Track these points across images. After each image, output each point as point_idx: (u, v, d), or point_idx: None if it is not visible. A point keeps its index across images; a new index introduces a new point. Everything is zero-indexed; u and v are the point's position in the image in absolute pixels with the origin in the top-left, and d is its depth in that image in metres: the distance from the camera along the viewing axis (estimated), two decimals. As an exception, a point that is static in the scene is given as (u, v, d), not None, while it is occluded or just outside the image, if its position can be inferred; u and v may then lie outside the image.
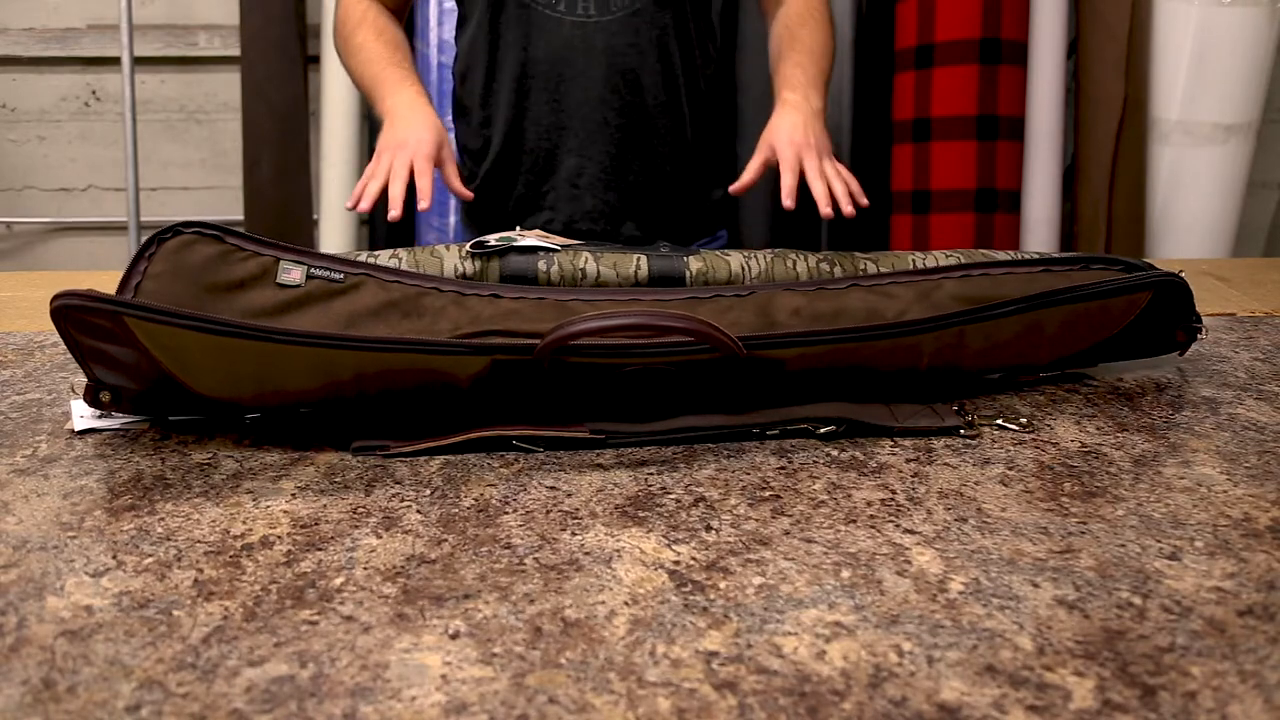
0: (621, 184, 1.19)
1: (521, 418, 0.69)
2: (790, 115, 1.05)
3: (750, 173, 1.08)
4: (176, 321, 0.61)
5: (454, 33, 1.30)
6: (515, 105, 1.19)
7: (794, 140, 1.02)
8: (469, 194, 1.12)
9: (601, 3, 1.10)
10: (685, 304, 0.88)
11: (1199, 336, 0.82)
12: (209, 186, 2.49)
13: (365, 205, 0.97)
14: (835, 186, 0.99)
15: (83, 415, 0.71)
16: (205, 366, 0.65)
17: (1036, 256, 0.89)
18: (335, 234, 2.30)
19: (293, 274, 0.81)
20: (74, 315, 0.62)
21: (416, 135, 1.03)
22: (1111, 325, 0.79)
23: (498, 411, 0.69)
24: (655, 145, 1.20)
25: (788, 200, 0.97)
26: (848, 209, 0.97)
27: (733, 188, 1.09)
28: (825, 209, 0.96)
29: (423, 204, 0.97)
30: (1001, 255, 0.98)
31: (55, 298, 0.61)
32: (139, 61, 2.28)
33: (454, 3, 1.30)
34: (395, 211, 0.96)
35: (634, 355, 0.68)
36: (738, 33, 2.01)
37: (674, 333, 0.66)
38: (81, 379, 0.80)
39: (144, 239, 2.31)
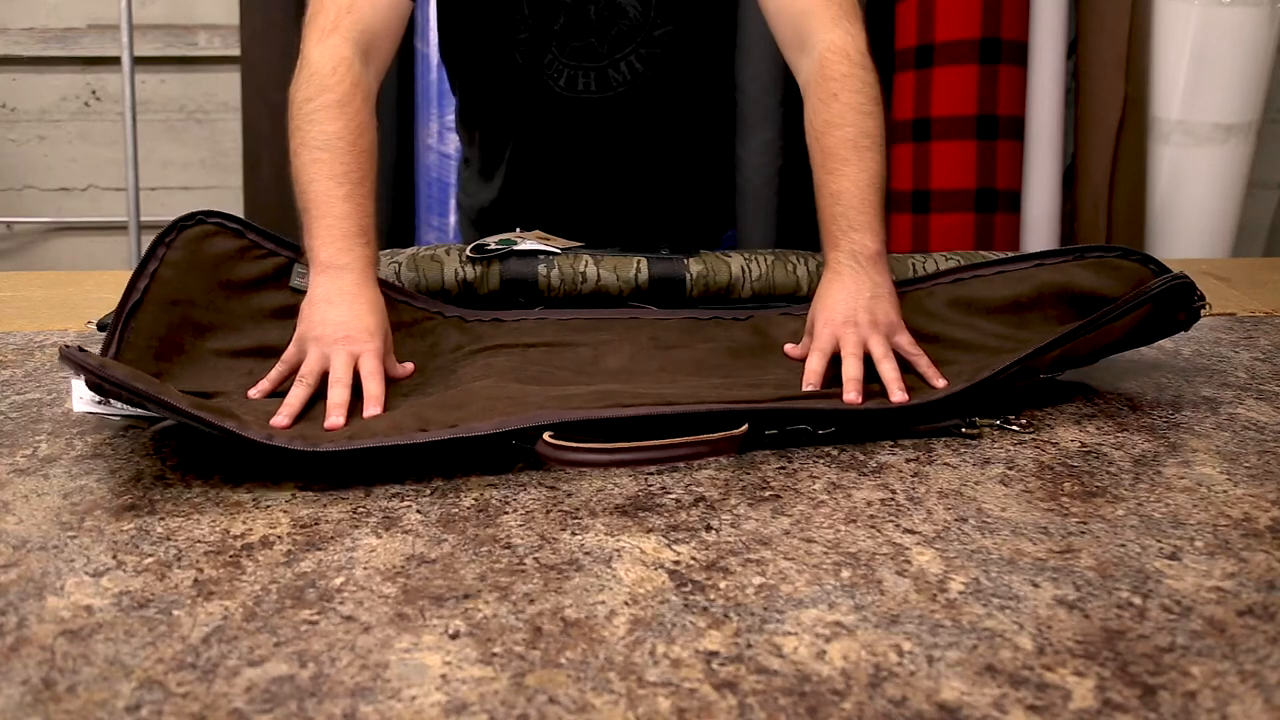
0: (622, 201, 1.18)
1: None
2: (835, 288, 0.81)
3: (791, 352, 0.83)
4: (165, 405, 0.61)
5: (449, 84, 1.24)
6: (519, 169, 1.15)
7: (831, 319, 0.78)
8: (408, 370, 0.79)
9: (602, 80, 1.06)
10: (684, 323, 0.88)
11: (1202, 314, 0.80)
12: (209, 186, 2.48)
13: (283, 420, 0.67)
14: (883, 371, 0.74)
15: (81, 397, 0.71)
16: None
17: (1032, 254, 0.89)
18: (335, 234, 2.29)
19: (306, 279, 0.81)
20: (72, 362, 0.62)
21: (363, 326, 0.74)
22: (1113, 335, 0.79)
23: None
24: (656, 163, 1.19)
25: (808, 384, 0.74)
26: (852, 398, 0.72)
27: (790, 350, 0.83)
28: (848, 395, 0.72)
29: (375, 410, 0.70)
30: (996, 256, 0.98)
31: (61, 353, 0.62)
32: (139, 61, 2.27)
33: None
34: (339, 420, 0.67)
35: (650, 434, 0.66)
36: (738, 32, 2.01)
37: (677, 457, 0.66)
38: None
39: (144, 239, 2.31)
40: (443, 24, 1.10)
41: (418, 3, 0.97)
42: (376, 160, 0.85)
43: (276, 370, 0.74)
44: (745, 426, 0.66)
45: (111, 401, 0.71)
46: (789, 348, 0.83)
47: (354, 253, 0.78)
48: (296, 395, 0.70)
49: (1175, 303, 0.79)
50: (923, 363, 0.77)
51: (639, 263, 0.94)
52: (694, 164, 1.22)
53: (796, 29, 0.92)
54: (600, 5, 1.00)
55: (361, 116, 0.84)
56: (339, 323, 0.74)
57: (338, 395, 0.70)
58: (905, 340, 0.78)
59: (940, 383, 0.74)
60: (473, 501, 0.59)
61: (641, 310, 0.91)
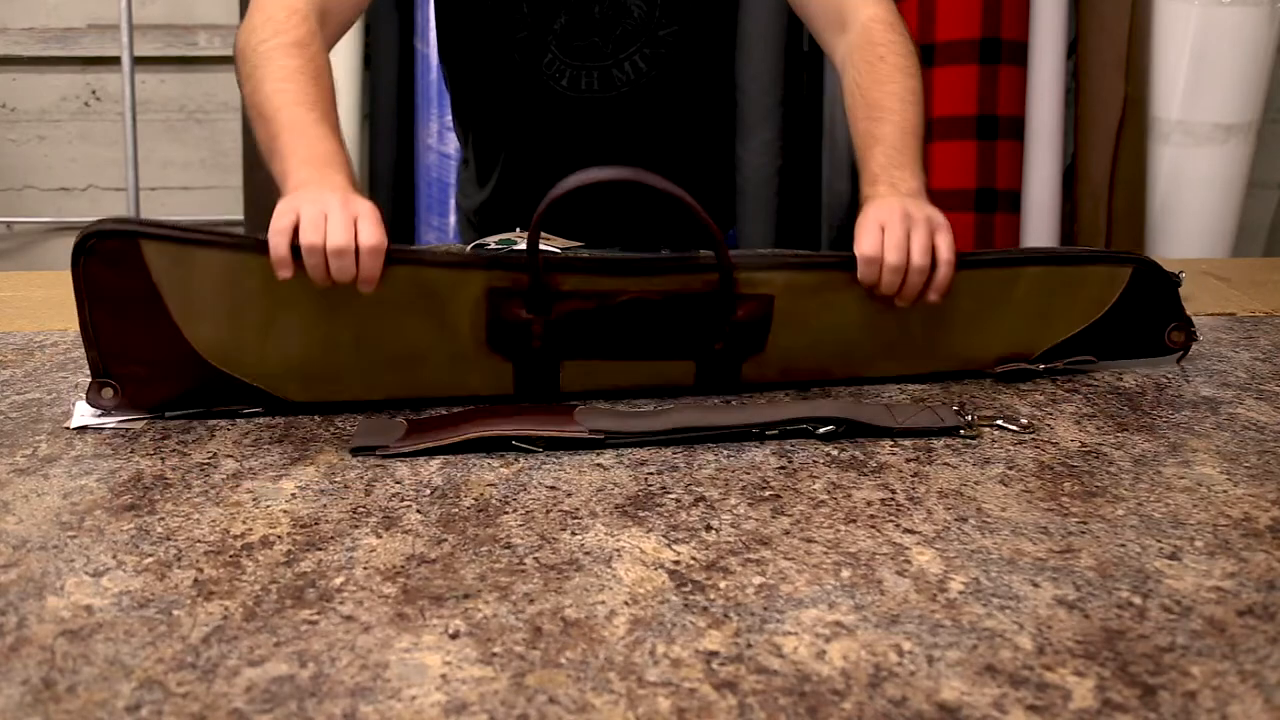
0: (623, 201, 1.18)
1: (520, 413, 0.69)
2: (876, 205, 0.80)
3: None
4: (189, 237, 0.67)
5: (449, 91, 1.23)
6: (517, 170, 1.14)
7: (876, 220, 0.77)
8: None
9: (606, 79, 1.06)
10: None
11: (1195, 338, 0.83)
12: (209, 186, 2.48)
13: (322, 275, 0.67)
14: (910, 273, 0.75)
15: (82, 414, 0.72)
16: (210, 307, 0.69)
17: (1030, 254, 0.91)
18: (335, 234, 2.29)
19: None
20: (97, 250, 0.67)
21: (355, 195, 0.72)
22: (1094, 301, 0.82)
23: (496, 389, 0.74)
24: (657, 163, 1.18)
25: (901, 301, 0.76)
26: (903, 302, 0.76)
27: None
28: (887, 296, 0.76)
29: (373, 265, 0.68)
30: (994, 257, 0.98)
31: (83, 234, 0.66)
32: (139, 61, 2.27)
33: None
34: (346, 269, 0.67)
35: (629, 273, 0.74)
36: (738, 32, 2.01)
37: (659, 189, 0.77)
38: (85, 378, 0.80)
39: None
40: (440, 22, 1.10)
41: (417, 3, 0.98)
42: (336, 103, 0.82)
43: (278, 239, 0.67)
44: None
45: (111, 412, 0.71)
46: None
47: (330, 172, 0.73)
48: (312, 249, 0.66)
49: (1159, 295, 0.82)
50: (943, 273, 0.76)
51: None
52: (694, 164, 1.22)
53: (837, 9, 0.97)
54: (604, 4, 1.00)
55: (320, 60, 0.82)
56: (329, 193, 0.70)
57: (339, 241, 0.66)
58: (944, 243, 0.77)
59: (933, 297, 0.76)
60: (473, 501, 0.59)
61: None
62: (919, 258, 0.75)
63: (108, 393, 0.70)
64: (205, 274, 0.68)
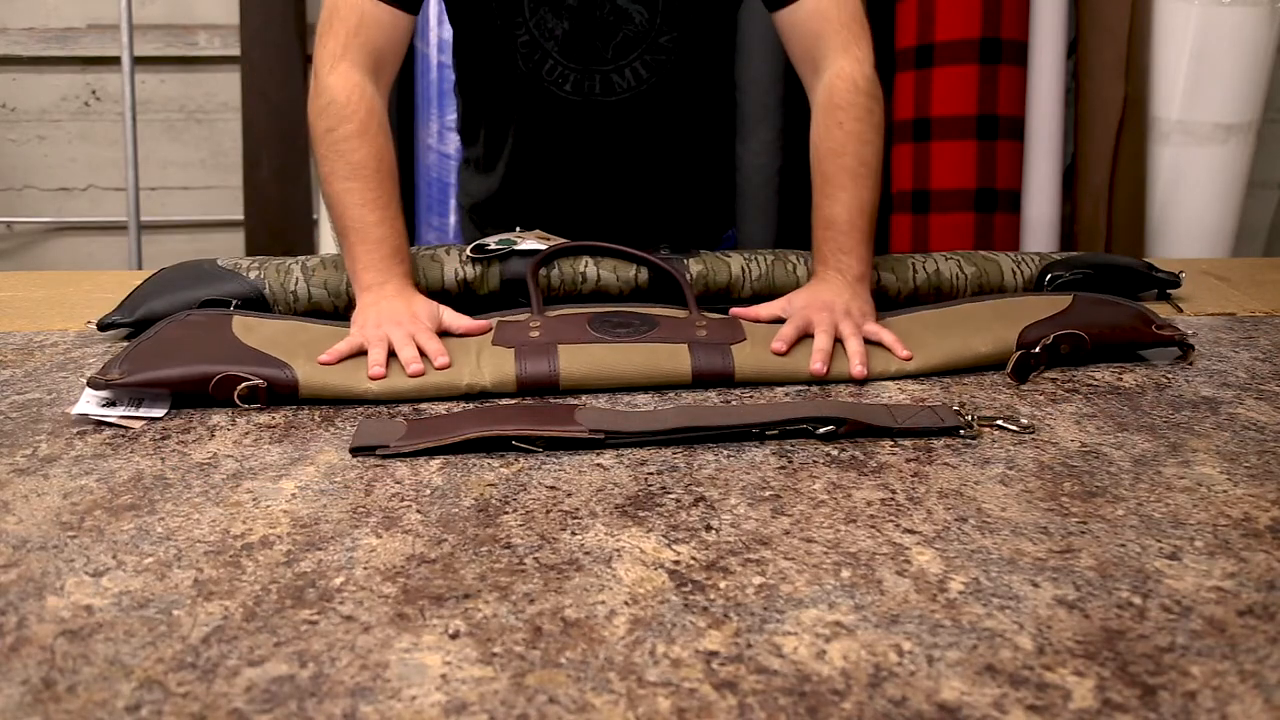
0: (622, 201, 1.18)
1: (520, 413, 0.69)
2: (818, 286, 0.91)
3: (760, 311, 0.91)
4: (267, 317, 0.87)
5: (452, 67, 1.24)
6: (519, 167, 1.14)
7: (810, 303, 0.87)
8: (487, 325, 0.87)
9: (607, 84, 1.07)
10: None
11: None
12: (209, 186, 2.48)
13: (381, 371, 0.78)
14: (849, 346, 0.83)
15: (88, 400, 0.72)
16: (268, 329, 0.83)
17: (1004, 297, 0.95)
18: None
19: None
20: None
21: (410, 312, 0.85)
22: (1049, 305, 0.88)
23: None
24: (658, 164, 1.19)
25: (777, 344, 0.82)
26: (817, 368, 0.80)
27: (735, 312, 0.92)
28: (814, 366, 0.80)
29: (444, 359, 0.80)
30: (1006, 260, 0.98)
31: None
32: (139, 61, 2.27)
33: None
34: (418, 366, 0.78)
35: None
36: (738, 33, 2.01)
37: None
38: (86, 378, 0.80)
39: (144, 239, 2.30)
40: (454, 26, 1.11)
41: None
42: (397, 176, 0.93)
43: (345, 345, 0.81)
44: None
45: (115, 404, 0.72)
46: (738, 310, 0.91)
47: (393, 271, 0.88)
48: (377, 354, 0.79)
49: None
50: (888, 337, 0.84)
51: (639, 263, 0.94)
52: (695, 164, 1.22)
53: (809, 51, 0.98)
54: (605, 10, 1.01)
55: (379, 141, 0.91)
56: (390, 315, 0.84)
57: (408, 354, 0.79)
58: (873, 327, 0.86)
59: (904, 353, 0.83)
60: (473, 501, 0.59)
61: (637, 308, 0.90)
62: (824, 351, 0.81)
63: (115, 374, 0.72)
64: (272, 324, 0.85)
